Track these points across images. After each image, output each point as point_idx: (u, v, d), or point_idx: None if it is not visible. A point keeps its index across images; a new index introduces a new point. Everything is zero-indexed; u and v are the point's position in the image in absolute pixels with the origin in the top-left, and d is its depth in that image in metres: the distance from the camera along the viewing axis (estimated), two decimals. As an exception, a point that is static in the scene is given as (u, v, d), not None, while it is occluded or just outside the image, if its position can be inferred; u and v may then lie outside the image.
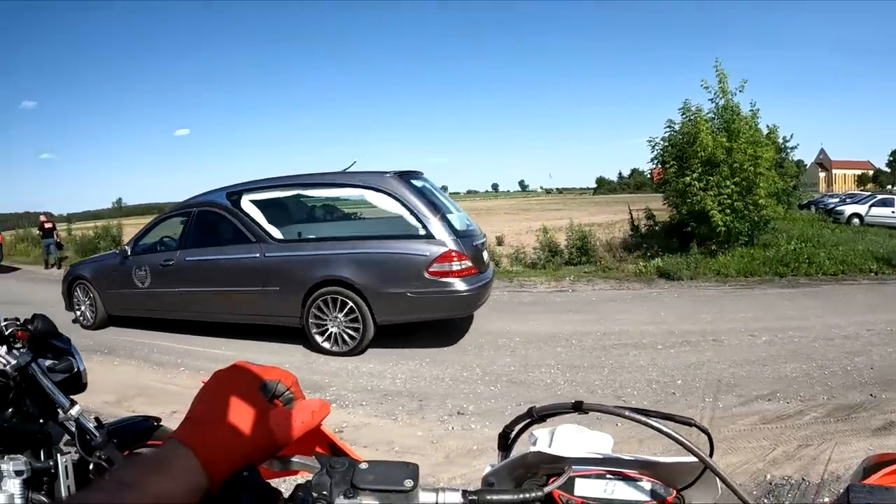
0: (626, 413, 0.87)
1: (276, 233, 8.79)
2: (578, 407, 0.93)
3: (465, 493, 0.80)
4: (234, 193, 9.17)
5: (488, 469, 0.93)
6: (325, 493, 0.77)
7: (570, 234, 16.29)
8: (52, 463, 2.91)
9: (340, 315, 8.15)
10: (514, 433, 1.05)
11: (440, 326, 9.20)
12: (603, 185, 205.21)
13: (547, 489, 0.85)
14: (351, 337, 8.14)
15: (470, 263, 7.96)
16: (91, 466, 3.17)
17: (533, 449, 0.90)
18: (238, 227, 8.96)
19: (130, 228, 25.02)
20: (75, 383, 3.24)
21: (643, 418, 0.87)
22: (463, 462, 4.85)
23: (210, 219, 9.41)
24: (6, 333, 3.02)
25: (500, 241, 20.74)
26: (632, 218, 18.54)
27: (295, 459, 0.87)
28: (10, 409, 2.85)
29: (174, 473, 0.69)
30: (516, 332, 8.76)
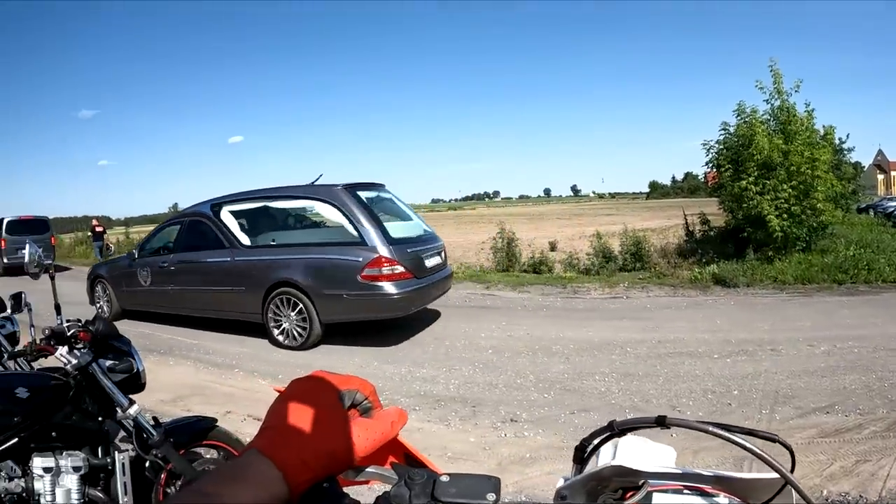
0: (710, 429, 0.86)
1: (244, 239, 10.13)
2: (661, 422, 0.91)
3: None
4: (217, 205, 10.63)
5: (561, 482, 0.92)
6: None
7: (623, 240, 16.12)
8: (109, 460, 3.01)
9: (292, 313, 9.29)
10: (591, 446, 1.03)
11: (495, 332, 9.26)
12: (656, 190, 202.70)
13: (629, 502, 0.85)
14: (300, 334, 9.26)
15: (402, 269, 8.81)
16: (147, 464, 3.26)
17: (613, 462, 0.89)
18: (217, 235, 10.34)
19: None
20: (134, 383, 3.35)
21: (727, 434, 0.86)
22: (516, 469, 4.84)
23: (198, 227, 10.79)
24: (68, 334, 3.13)
25: (553, 247, 20.51)
26: (686, 223, 18.27)
27: (370, 469, 0.85)
28: (69, 407, 2.94)
29: (255, 484, 0.70)
30: (570, 338, 8.70)
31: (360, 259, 8.76)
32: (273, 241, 10.03)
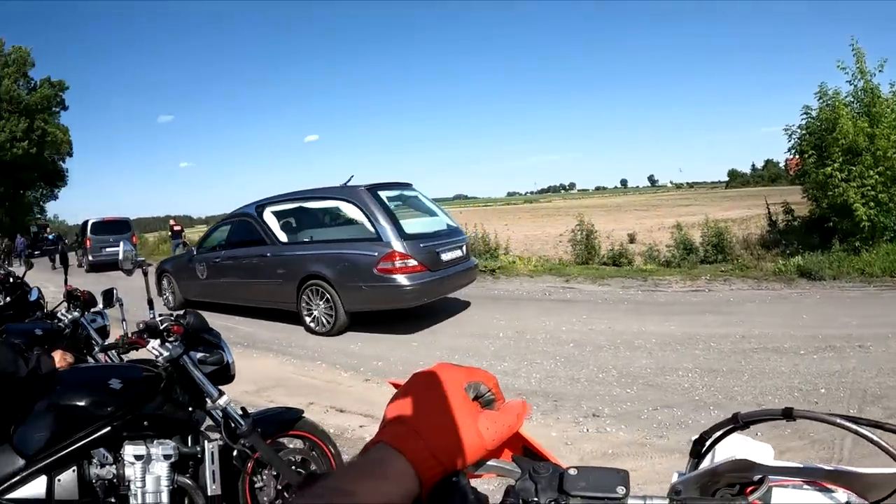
0: (838, 421, 0.84)
1: (282, 237, 11.34)
2: (788, 414, 0.89)
3: (672, 500, 0.80)
4: (261, 206, 11.80)
5: (676, 477, 0.91)
6: (535, 499, 0.76)
7: (705, 231, 15.73)
8: (198, 449, 3.11)
9: (321, 303, 10.34)
10: (711, 440, 1.01)
11: (576, 326, 9.26)
12: (735, 178, 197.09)
13: (752, 498, 0.83)
14: (328, 321, 10.24)
15: (415, 263, 9.66)
16: (234, 453, 3.33)
17: (736, 456, 0.86)
18: (260, 233, 11.57)
19: None
20: (224, 374, 3.45)
21: (856, 427, 0.84)
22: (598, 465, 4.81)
23: (245, 226, 12.07)
24: (161, 328, 3.21)
25: (632, 239, 20.25)
26: (769, 213, 17.68)
27: (491, 463, 0.83)
28: (161, 398, 3.03)
29: (389, 480, 0.70)
30: (652, 332, 8.62)
31: (376, 254, 9.68)
32: (308, 238, 11.15)
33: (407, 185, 11.85)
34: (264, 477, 3.50)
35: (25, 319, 5.74)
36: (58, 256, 8.24)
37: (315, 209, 11.54)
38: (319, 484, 0.70)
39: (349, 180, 10.99)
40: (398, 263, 9.54)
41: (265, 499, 3.51)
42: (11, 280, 7.34)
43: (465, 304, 12.17)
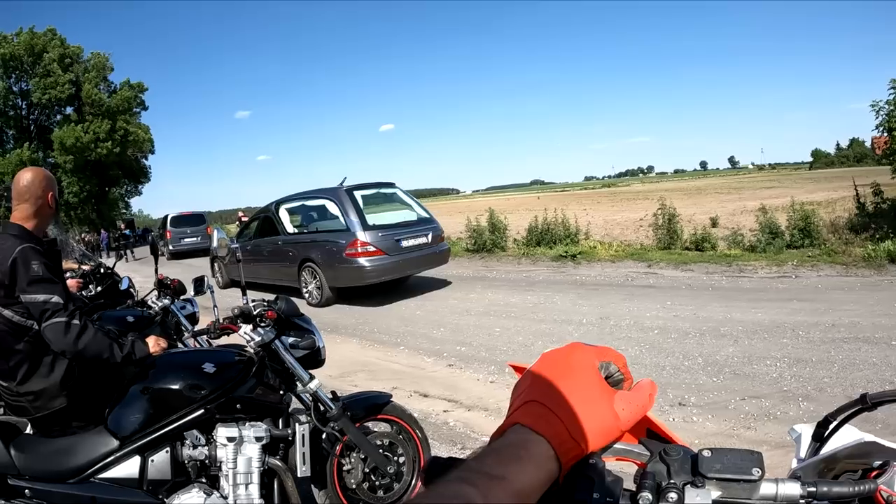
0: None
1: (289, 228, 14.23)
2: None
3: (803, 483, 0.77)
4: (278, 204, 14.74)
5: (795, 464, 0.89)
6: (672, 481, 0.75)
7: (791, 215, 14.98)
8: (289, 431, 3.17)
9: (312, 280, 13.00)
10: (837, 421, 0.99)
11: (660, 312, 9.17)
12: (819, 159, 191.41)
13: (880, 481, 0.81)
14: (318, 295, 12.81)
15: (373, 248, 11.96)
16: (323, 436, 3.38)
17: (866, 438, 0.85)
18: (276, 225, 14.46)
19: None
20: (314, 359, 3.51)
21: None
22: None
23: (267, 220, 15.07)
24: (254, 314, 3.27)
25: (714, 223, 19.80)
26: (857, 195, 16.93)
27: (619, 446, 0.81)
28: (253, 381, 3.09)
29: (533, 463, 0.68)
30: (738, 320, 8.41)
31: (345, 242, 12.07)
32: (306, 229, 14.10)
33: (388, 185, 14.51)
34: (352, 460, 3.56)
35: (117, 307, 5.89)
36: (127, 251, 8.64)
37: (312, 206, 14.34)
38: (465, 466, 0.69)
39: (343, 181, 13.27)
40: (360, 249, 11.91)
41: (352, 481, 3.56)
42: (102, 271, 7.57)
43: (545, 289, 12.18)
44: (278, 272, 14.06)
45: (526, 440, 0.71)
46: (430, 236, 13.25)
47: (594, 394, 0.75)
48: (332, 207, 12.90)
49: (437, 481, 0.67)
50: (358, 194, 12.77)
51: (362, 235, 11.96)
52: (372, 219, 12.58)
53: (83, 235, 40.18)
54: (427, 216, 13.87)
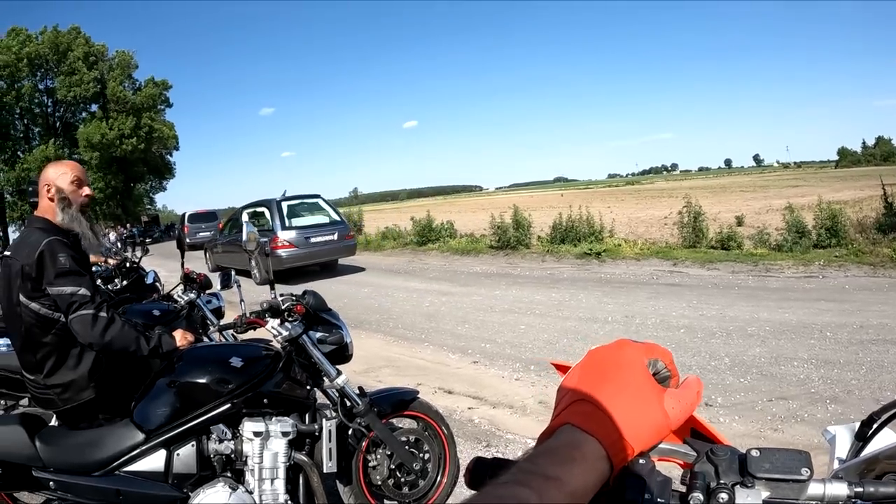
0: None
1: (244, 227, 15.49)
2: None
3: (850, 483, 0.75)
4: (242, 209, 19.25)
5: (837, 465, 0.88)
6: (721, 482, 0.74)
7: (818, 214, 14.77)
8: (315, 426, 3.15)
9: (255, 266, 15.58)
10: (881, 421, 0.98)
11: (686, 311, 9.14)
12: (845, 157, 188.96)
13: None
14: (258, 277, 15.55)
15: (287, 243, 16.11)
16: (350, 432, 3.37)
17: None
18: (239, 225, 17.89)
19: (369, 215, 28.30)
20: (342, 354, 3.52)
21: None
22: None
23: (237, 222, 19.15)
24: (282, 308, 3.27)
25: (739, 222, 19.64)
26: (885, 194, 16.75)
27: (664, 446, 0.80)
28: (280, 376, 3.09)
29: (587, 464, 0.67)
30: (765, 320, 8.34)
31: (269, 238, 15.35)
32: (251, 229, 16.28)
33: (313, 196, 18.64)
34: (378, 456, 3.55)
35: (143, 301, 5.92)
36: (139, 249, 8.77)
37: (259, 211, 18.11)
38: (518, 467, 0.68)
39: (283, 193, 17.59)
40: (279, 244, 15.93)
41: (378, 478, 3.55)
42: (128, 265, 7.61)
43: (570, 286, 12.20)
44: (238, 258, 17.29)
45: (578, 440, 0.70)
46: (336, 234, 17.50)
47: (645, 392, 0.74)
48: (267, 213, 17.29)
49: (491, 482, 0.66)
50: (284, 204, 17.14)
51: (281, 234, 16.26)
52: (295, 221, 17.10)
53: (108, 230, 40.71)
54: (339, 220, 18.15)
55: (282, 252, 16.08)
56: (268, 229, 16.47)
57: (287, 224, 16.72)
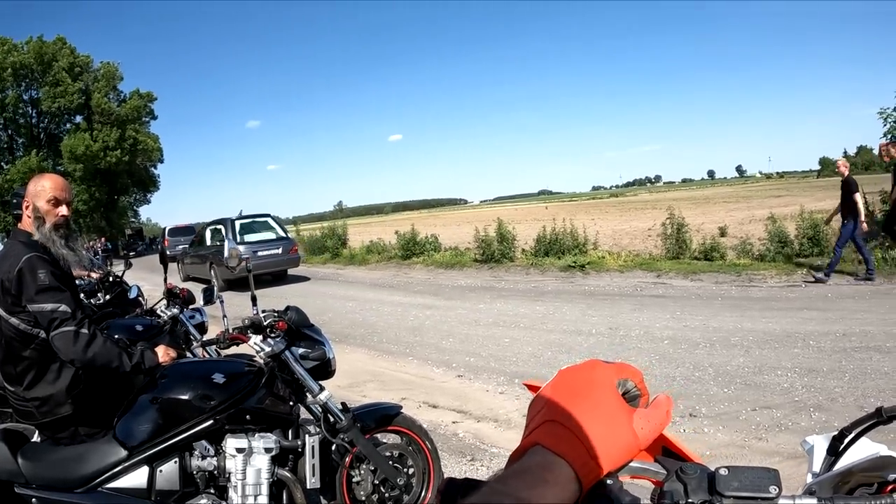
0: None
1: (207, 242, 20.70)
2: None
3: (820, 499, 0.76)
4: (205, 226, 21.81)
5: (811, 479, 0.88)
6: (689, 500, 0.74)
7: (800, 224, 14.94)
8: (298, 442, 3.14)
9: (213, 275, 18.79)
10: (852, 435, 0.98)
11: (670, 322, 9.16)
12: (827, 167, 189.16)
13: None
14: (215, 284, 15.38)
15: (240, 252, 15.46)
16: (333, 447, 3.36)
17: (883, 452, 0.86)
18: (203, 240, 21.40)
19: (353, 229, 28.37)
20: (324, 370, 3.52)
21: None
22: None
23: (203, 236, 21.76)
24: (264, 324, 3.26)
25: (722, 233, 19.74)
26: (866, 203, 16.84)
27: (634, 464, 0.79)
28: (263, 392, 3.08)
29: (556, 486, 0.67)
30: (749, 329, 8.40)
31: (225, 250, 14.93)
32: (213, 243, 20.28)
33: (263, 216, 21.03)
34: (362, 471, 3.54)
35: (126, 316, 5.89)
36: (105, 263, 8.85)
37: (216, 228, 20.57)
38: (490, 489, 0.69)
39: (240, 212, 20.32)
40: (231, 254, 16.21)
41: (362, 493, 3.54)
42: (111, 279, 7.59)
43: (554, 299, 12.21)
44: (202, 269, 20.57)
45: (549, 462, 0.69)
46: (281, 249, 19.91)
47: (614, 413, 0.74)
48: (223, 230, 19.62)
49: (463, 500, 0.66)
50: (238, 222, 19.74)
51: (234, 245, 16.62)
52: (247, 237, 19.45)
53: (91, 243, 40.58)
54: (285, 236, 20.69)
55: (232, 262, 17.94)
56: (222, 244, 18.42)
57: (239, 240, 18.85)
